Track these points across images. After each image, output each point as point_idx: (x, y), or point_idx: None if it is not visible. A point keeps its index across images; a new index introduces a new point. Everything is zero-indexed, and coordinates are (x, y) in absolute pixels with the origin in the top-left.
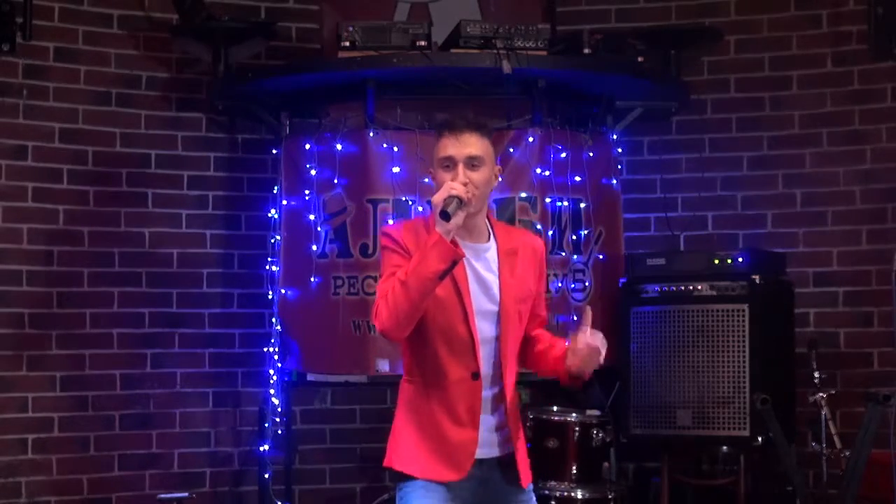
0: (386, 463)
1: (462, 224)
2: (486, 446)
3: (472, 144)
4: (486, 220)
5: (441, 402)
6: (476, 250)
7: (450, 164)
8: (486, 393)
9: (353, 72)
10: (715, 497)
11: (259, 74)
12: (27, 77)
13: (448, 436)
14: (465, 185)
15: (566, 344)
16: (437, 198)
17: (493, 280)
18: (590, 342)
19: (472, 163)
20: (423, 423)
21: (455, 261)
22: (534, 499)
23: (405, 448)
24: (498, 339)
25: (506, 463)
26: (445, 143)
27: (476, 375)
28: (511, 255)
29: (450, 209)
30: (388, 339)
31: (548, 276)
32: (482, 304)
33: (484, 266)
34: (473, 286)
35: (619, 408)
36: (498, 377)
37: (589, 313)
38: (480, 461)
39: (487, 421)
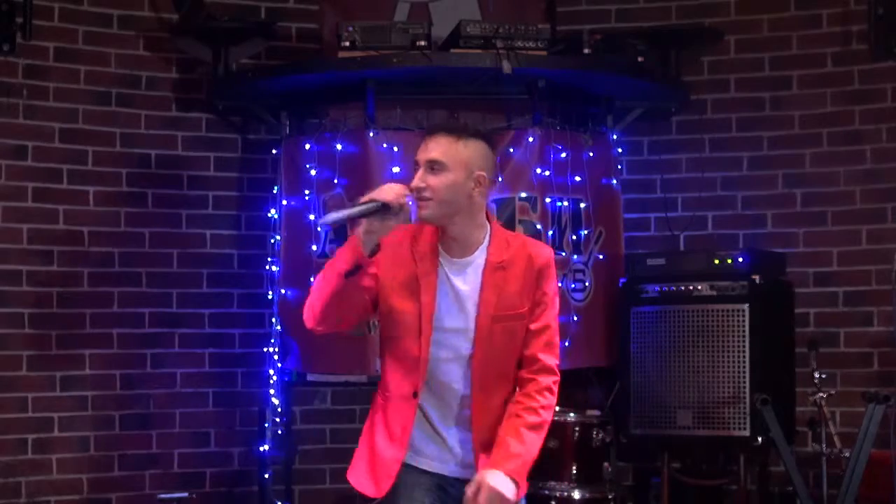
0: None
1: (444, 235)
2: (462, 465)
3: (435, 149)
4: (487, 230)
5: (383, 415)
6: (459, 265)
7: (416, 166)
8: (465, 412)
9: (353, 72)
10: (715, 497)
11: (259, 74)
12: (27, 77)
13: (378, 451)
14: (415, 189)
15: (495, 458)
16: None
17: (470, 296)
18: None
19: (432, 166)
20: (366, 434)
21: (359, 265)
22: None
23: (355, 457)
24: (472, 358)
25: (460, 485)
26: (420, 145)
27: (416, 394)
28: (499, 270)
29: (354, 210)
30: (311, 329)
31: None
32: (452, 321)
33: (463, 281)
34: (444, 301)
35: (619, 408)
36: (473, 400)
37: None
38: (456, 480)
39: (462, 439)
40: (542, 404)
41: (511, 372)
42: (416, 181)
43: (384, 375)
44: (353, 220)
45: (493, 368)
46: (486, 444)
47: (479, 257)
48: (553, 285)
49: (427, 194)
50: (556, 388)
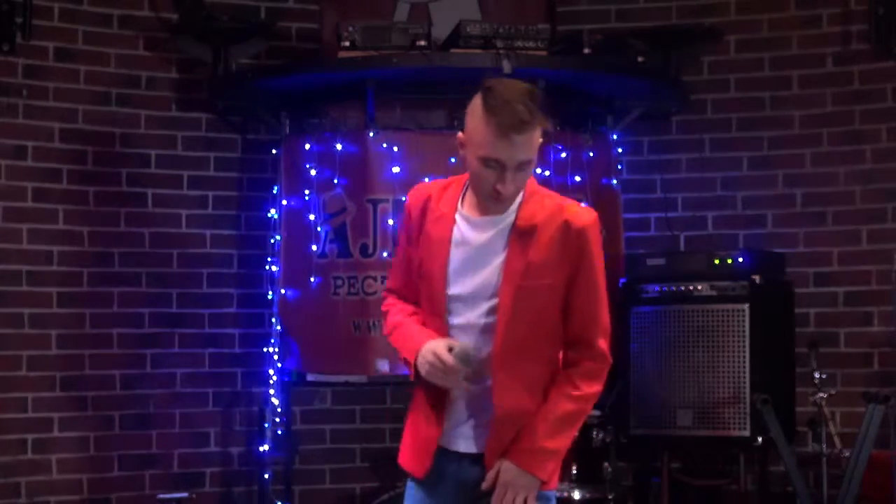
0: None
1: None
2: (465, 439)
3: (528, 149)
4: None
5: (419, 394)
6: (482, 225)
7: (496, 167)
8: (476, 386)
9: (353, 72)
10: (715, 497)
11: (259, 74)
12: (27, 77)
13: (417, 429)
14: (505, 192)
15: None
16: (431, 364)
17: (493, 260)
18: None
19: (522, 166)
20: (410, 415)
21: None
22: None
23: (403, 441)
24: (493, 328)
25: (479, 460)
26: (496, 142)
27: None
28: (527, 234)
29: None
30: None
31: None
32: (468, 287)
33: (486, 243)
34: (459, 266)
35: (619, 408)
36: (493, 374)
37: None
38: (453, 454)
39: (472, 414)
40: (580, 392)
41: (542, 350)
42: (511, 187)
43: None
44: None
45: (517, 343)
46: (504, 423)
47: (507, 218)
48: (597, 254)
49: (514, 196)
50: (602, 375)
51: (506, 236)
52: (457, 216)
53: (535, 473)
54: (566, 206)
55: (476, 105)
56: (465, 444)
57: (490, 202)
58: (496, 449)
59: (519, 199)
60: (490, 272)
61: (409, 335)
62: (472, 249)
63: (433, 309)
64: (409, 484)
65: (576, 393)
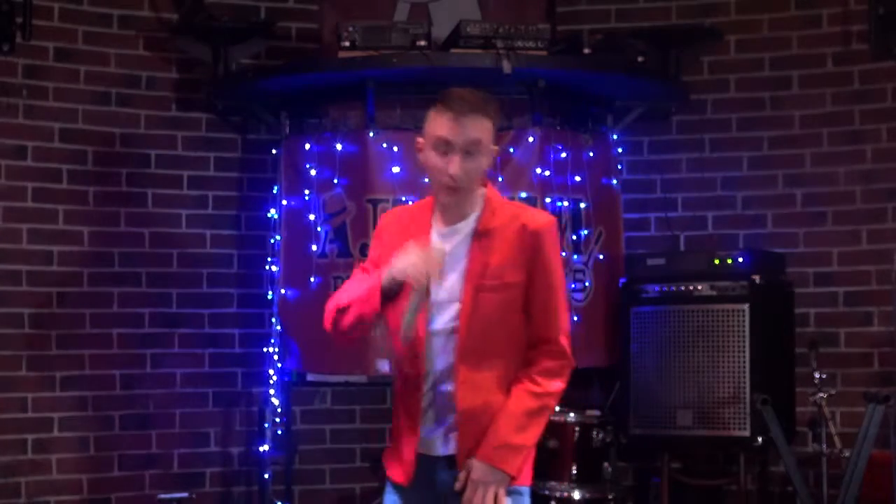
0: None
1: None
2: (432, 445)
3: (476, 130)
4: (482, 198)
5: (398, 401)
6: (446, 233)
7: (447, 149)
8: (442, 388)
9: (353, 72)
10: (715, 497)
11: (259, 74)
12: (27, 77)
13: (399, 436)
14: (454, 177)
15: (494, 434)
16: (399, 267)
17: (457, 266)
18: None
19: (471, 149)
20: (392, 422)
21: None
22: None
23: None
24: (455, 332)
25: (447, 463)
26: (443, 124)
27: (418, 366)
28: (485, 237)
29: (403, 330)
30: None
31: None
32: (441, 293)
33: (452, 251)
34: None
35: (619, 408)
36: (455, 374)
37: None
38: (428, 458)
39: (443, 418)
40: (543, 388)
41: (505, 350)
42: (457, 169)
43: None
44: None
45: (478, 343)
46: (470, 422)
47: (468, 226)
48: (553, 255)
49: (464, 184)
50: (563, 372)
51: (468, 242)
52: (432, 232)
53: (504, 469)
54: (524, 211)
55: (431, 109)
56: (440, 447)
57: (446, 196)
58: (466, 448)
59: (479, 207)
60: (455, 278)
61: (363, 287)
62: (444, 258)
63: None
64: (388, 486)
65: (537, 389)
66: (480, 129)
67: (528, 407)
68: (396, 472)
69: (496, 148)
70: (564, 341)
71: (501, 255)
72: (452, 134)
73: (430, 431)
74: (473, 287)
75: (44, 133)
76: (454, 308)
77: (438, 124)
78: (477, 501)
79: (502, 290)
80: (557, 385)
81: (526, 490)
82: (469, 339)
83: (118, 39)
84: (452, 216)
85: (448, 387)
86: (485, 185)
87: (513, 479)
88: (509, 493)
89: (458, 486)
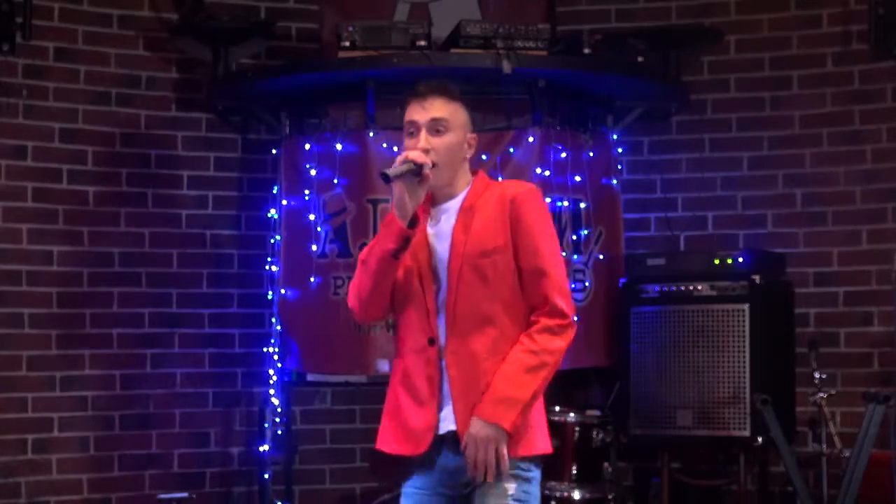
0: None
1: (425, 195)
2: (446, 421)
3: (435, 108)
4: (469, 182)
5: (403, 375)
6: (437, 211)
7: (413, 129)
8: (442, 361)
9: (353, 72)
10: (715, 497)
11: (259, 74)
12: (27, 77)
13: (408, 413)
14: (426, 151)
15: (494, 382)
16: (380, 173)
17: (445, 239)
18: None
19: (436, 127)
20: (391, 400)
21: (407, 238)
22: (509, 490)
23: (381, 426)
24: (446, 304)
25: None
26: (410, 110)
27: (432, 341)
28: (468, 211)
29: (391, 171)
30: (356, 319)
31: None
32: (438, 271)
33: (440, 226)
34: (430, 252)
35: (619, 408)
36: (448, 344)
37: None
38: (441, 437)
39: (452, 395)
40: (539, 346)
41: (497, 317)
42: (423, 143)
43: (398, 333)
44: (396, 178)
45: (468, 311)
46: (463, 396)
47: (452, 203)
48: (535, 218)
49: (433, 157)
50: (562, 332)
51: (454, 217)
52: (422, 211)
53: (499, 423)
54: (506, 183)
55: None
56: (445, 425)
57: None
58: (463, 422)
59: (467, 188)
60: (443, 252)
61: (370, 250)
62: (436, 237)
63: (415, 297)
64: (405, 490)
65: (533, 346)
66: (443, 108)
67: (524, 363)
68: (405, 445)
69: (474, 135)
70: (561, 301)
71: (483, 224)
72: (417, 114)
73: (442, 411)
74: (459, 257)
75: (44, 133)
76: (444, 281)
77: (406, 112)
78: (479, 457)
79: (485, 256)
80: (557, 343)
81: (535, 476)
82: (458, 308)
83: (118, 39)
84: (440, 196)
85: (442, 361)
86: (475, 174)
87: (510, 434)
88: (516, 478)
89: (462, 447)
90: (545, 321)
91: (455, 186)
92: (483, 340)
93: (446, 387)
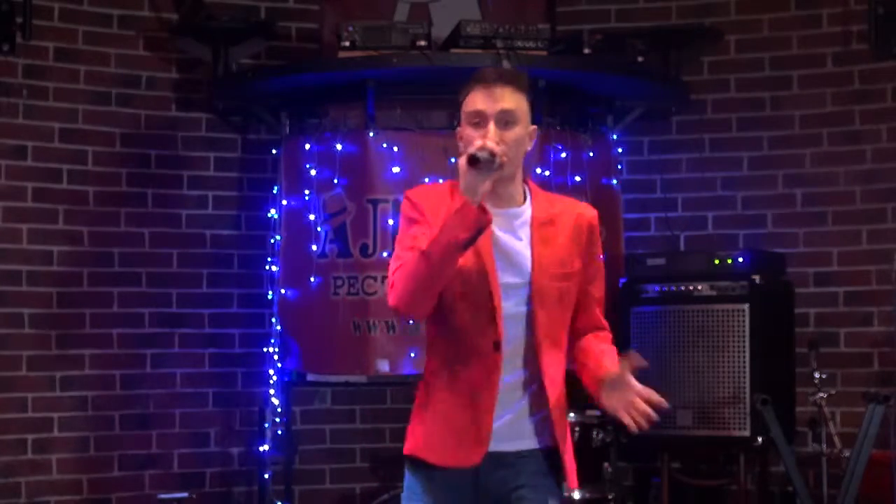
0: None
1: (491, 189)
2: (510, 438)
3: (505, 99)
4: (524, 186)
5: (457, 379)
6: (504, 217)
7: (480, 120)
8: (513, 377)
9: (353, 72)
10: (715, 497)
11: (259, 74)
12: (27, 77)
13: (460, 416)
14: (497, 143)
15: (607, 367)
16: (467, 155)
17: (522, 250)
18: (638, 406)
19: (505, 119)
20: (435, 404)
21: (481, 228)
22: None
23: (419, 432)
24: (529, 316)
25: (542, 456)
26: (475, 97)
27: (497, 346)
28: (546, 225)
29: (481, 155)
30: (401, 315)
31: None
32: (505, 277)
33: (511, 235)
34: (496, 255)
35: None
36: (528, 362)
37: (637, 362)
38: (499, 454)
39: (514, 407)
40: (610, 344)
41: (563, 338)
42: (493, 136)
43: (449, 336)
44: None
45: (551, 329)
46: (534, 414)
47: (523, 210)
48: (600, 245)
49: (505, 153)
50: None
51: (527, 228)
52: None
53: None
54: (573, 202)
55: (463, 92)
56: (505, 441)
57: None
58: (561, 436)
59: (528, 196)
60: (520, 262)
61: (438, 227)
62: (502, 241)
63: (478, 299)
64: (414, 487)
65: (609, 335)
66: (512, 99)
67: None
68: (458, 456)
69: (534, 128)
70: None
71: (563, 244)
72: (484, 104)
73: (497, 420)
74: (546, 274)
75: (44, 133)
76: (524, 294)
77: (470, 100)
78: (638, 388)
79: (565, 279)
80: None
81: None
82: (545, 327)
83: (118, 39)
84: (501, 199)
85: (523, 374)
86: (524, 180)
87: None
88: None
89: (626, 415)
90: (605, 333)
91: (516, 190)
92: (559, 361)
93: (503, 396)
